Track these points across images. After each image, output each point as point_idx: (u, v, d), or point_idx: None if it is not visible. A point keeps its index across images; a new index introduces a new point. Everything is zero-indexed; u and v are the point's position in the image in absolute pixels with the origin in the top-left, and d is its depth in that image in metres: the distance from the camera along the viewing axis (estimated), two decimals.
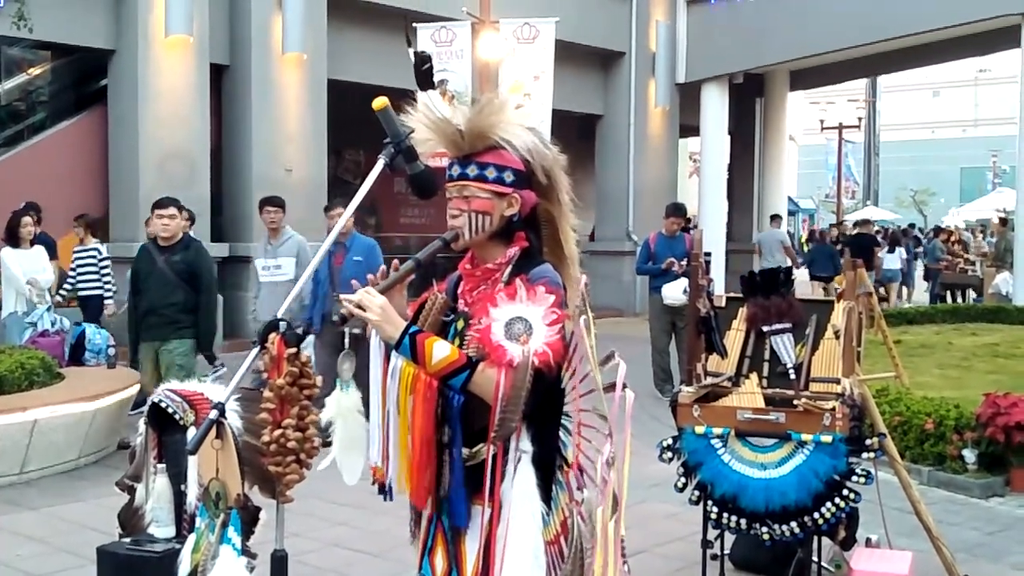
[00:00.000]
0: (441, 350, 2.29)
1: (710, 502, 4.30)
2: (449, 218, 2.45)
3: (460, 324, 2.42)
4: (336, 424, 2.41)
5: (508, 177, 2.41)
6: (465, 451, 2.36)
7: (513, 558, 2.28)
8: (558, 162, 2.49)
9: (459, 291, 2.50)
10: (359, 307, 2.31)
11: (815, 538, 4.39)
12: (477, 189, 2.41)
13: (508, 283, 2.38)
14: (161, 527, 3.69)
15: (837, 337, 4.48)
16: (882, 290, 20.08)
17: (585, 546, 2.38)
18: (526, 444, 2.33)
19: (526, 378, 2.23)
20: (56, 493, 6.44)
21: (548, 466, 2.40)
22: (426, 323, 2.44)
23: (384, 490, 2.44)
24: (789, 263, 16.30)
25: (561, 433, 2.47)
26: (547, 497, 2.37)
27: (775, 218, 19.74)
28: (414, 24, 13.88)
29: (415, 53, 2.66)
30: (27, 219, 8.96)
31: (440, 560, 2.46)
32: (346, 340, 2.43)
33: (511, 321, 2.28)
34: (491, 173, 2.41)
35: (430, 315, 2.46)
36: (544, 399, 2.33)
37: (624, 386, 2.43)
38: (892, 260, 20.14)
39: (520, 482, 2.31)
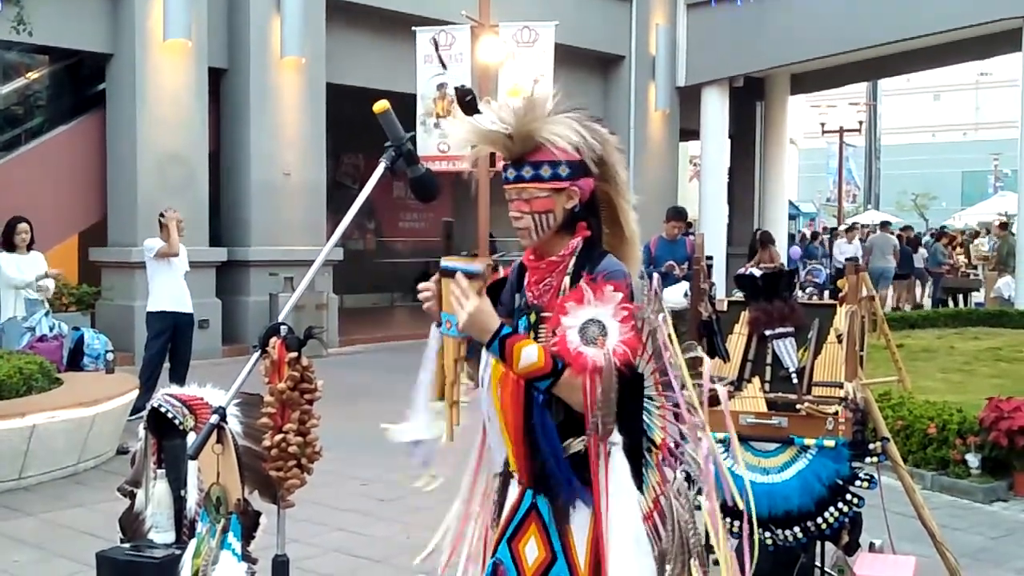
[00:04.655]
0: (529, 356, 2.31)
1: None
2: (512, 220, 2.44)
3: (533, 317, 2.43)
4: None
5: (564, 171, 2.40)
6: None
7: (618, 547, 2.31)
8: (608, 142, 2.47)
9: (524, 283, 2.51)
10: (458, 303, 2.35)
11: (818, 543, 4.36)
12: (535, 190, 2.41)
13: (573, 274, 2.40)
14: (161, 532, 3.66)
15: (840, 341, 4.45)
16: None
17: (685, 525, 2.39)
18: (615, 436, 2.35)
19: (612, 379, 2.26)
20: (55, 499, 6.41)
21: (636, 451, 2.42)
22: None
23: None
24: (894, 264, 19.54)
25: (645, 416, 2.48)
26: (639, 482, 2.41)
27: (885, 224, 21.12)
28: (413, 28, 13.89)
29: (456, 88, 2.70)
30: (23, 225, 8.94)
31: (533, 548, 2.44)
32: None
33: (585, 325, 2.30)
34: (546, 171, 2.40)
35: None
36: (625, 389, 2.34)
37: (712, 380, 2.48)
38: (916, 260, 21.58)
39: (615, 474, 2.34)
